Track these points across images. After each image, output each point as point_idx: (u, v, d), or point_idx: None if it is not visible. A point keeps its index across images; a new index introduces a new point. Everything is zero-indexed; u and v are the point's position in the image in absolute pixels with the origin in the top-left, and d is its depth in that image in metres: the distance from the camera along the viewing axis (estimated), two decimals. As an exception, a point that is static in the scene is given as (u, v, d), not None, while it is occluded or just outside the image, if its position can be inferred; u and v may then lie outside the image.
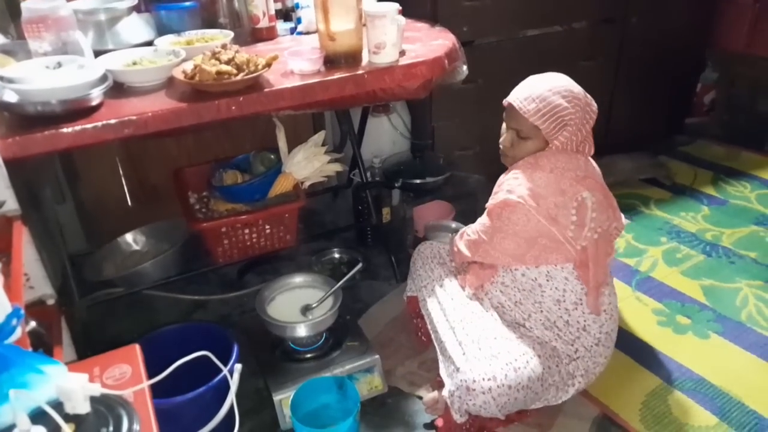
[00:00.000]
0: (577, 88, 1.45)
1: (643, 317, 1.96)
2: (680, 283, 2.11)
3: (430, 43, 1.73)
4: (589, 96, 1.46)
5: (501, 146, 1.54)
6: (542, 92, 1.42)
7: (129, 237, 2.24)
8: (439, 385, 1.59)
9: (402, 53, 1.63)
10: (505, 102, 1.50)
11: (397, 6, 1.54)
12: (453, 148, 2.48)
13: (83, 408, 0.76)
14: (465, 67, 1.74)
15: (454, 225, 2.26)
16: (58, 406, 0.74)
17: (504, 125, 1.54)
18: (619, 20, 2.60)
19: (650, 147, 2.99)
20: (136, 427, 0.76)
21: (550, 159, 1.43)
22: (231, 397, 1.09)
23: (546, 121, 1.41)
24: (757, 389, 1.67)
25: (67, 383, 0.75)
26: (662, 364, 1.77)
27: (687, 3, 2.78)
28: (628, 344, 1.83)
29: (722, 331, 1.89)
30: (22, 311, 0.81)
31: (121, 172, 2.25)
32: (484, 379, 1.36)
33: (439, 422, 1.55)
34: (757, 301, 2.01)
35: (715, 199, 2.66)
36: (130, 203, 2.31)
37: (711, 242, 2.35)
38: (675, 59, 2.87)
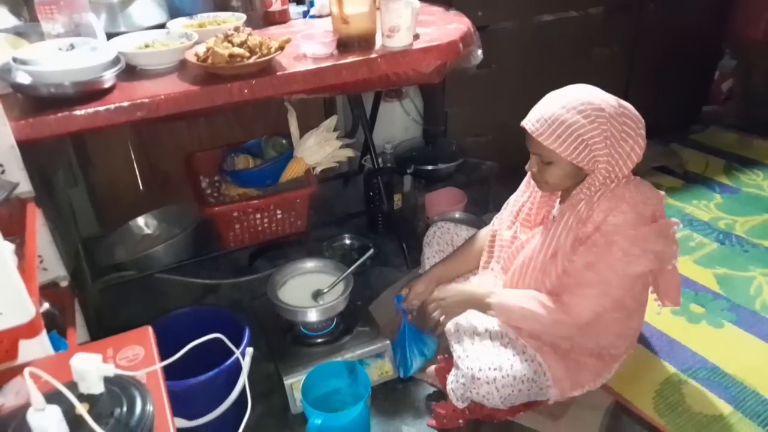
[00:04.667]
0: (599, 99, 1.28)
1: (656, 306, 1.93)
2: (693, 272, 2.09)
3: (445, 26, 1.71)
4: (623, 104, 1.31)
5: (528, 172, 1.43)
6: (554, 110, 1.28)
7: (141, 221, 2.24)
8: (442, 364, 1.60)
9: (416, 37, 1.61)
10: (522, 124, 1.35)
11: (411, -11, 1.52)
12: (466, 135, 2.46)
13: (97, 388, 0.76)
14: (480, 52, 1.72)
15: (458, 215, 2.28)
16: (72, 385, 0.75)
17: None
18: (636, 6, 2.56)
19: (662, 135, 2.94)
20: (149, 407, 0.76)
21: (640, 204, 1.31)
22: (243, 379, 1.09)
23: (563, 144, 1.27)
24: (772, 379, 1.66)
25: (82, 363, 0.75)
26: (676, 353, 1.76)
27: (705, -11, 2.73)
28: (642, 333, 1.81)
29: (736, 320, 1.87)
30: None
31: (133, 156, 2.25)
32: (490, 369, 1.36)
33: (440, 408, 1.55)
34: (772, 291, 2.00)
35: (727, 187, 2.63)
36: (141, 188, 2.31)
37: (724, 231, 2.32)
38: (692, 47, 2.83)
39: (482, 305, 1.46)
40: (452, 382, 1.44)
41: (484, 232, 1.66)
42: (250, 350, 1.26)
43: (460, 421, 1.53)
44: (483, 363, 1.36)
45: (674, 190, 2.61)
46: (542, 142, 1.29)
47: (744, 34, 2.97)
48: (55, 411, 0.69)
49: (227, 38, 1.45)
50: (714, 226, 2.36)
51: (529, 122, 1.32)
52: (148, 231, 2.23)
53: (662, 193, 1.38)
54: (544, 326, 1.38)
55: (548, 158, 1.32)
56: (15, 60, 1.30)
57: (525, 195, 1.55)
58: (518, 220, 1.55)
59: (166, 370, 0.88)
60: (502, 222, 1.60)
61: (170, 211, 2.26)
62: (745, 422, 1.54)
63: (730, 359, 1.72)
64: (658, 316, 1.88)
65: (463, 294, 1.52)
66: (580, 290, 1.33)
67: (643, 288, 1.44)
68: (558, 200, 1.48)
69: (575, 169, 1.32)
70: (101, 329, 1.66)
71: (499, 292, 1.48)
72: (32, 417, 0.69)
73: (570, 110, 1.26)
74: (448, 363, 1.53)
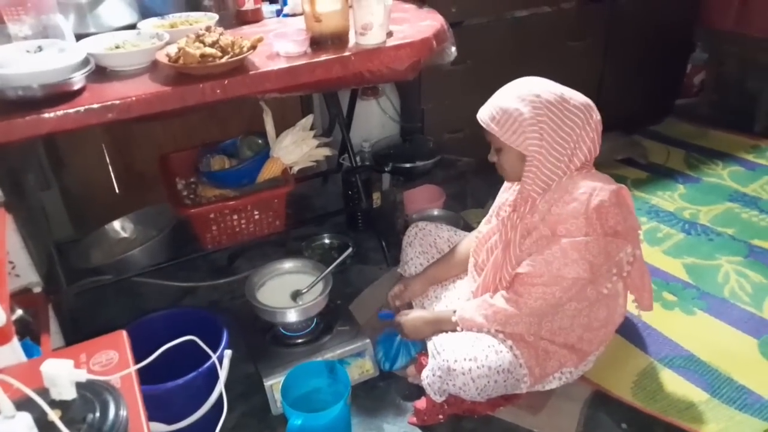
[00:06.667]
0: (547, 92, 1.32)
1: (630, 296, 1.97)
2: (663, 263, 2.12)
3: (418, 23, 1.71)
4: (569, 95, 1.33)
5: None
6: (500, 98, 1.35)
7: (116, 224, 2.22)
8: (421, 362, 1.61)
9: (389, 34, 1.61)
10: None
11: (383, -14, 1.52)
12: (443, 131, 2.46)
13: (69, 394, 0.75)
14: (453, 49, 1.72)
15: (437, 212, 2.29)
16: (43, 392, 0.74)
17: None
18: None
19: (625, 127, 2.96)
20: (123, 412, 0.75)
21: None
22: (220, 386, 1.09)
23: (501, 128, 1.33)
24: (744, 364, 1.69)
25: (53, 369, 0.74)
26: (652, 341, 1.78)
27: (675, -19, 2.77)
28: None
29: (707, 308, 1.91)
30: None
31: (107, 158, 2.23)
32: (465, 359, 1.37)
33: (419, 404, 1.56)
34: (738, 277, 2.03)
35: (689, 177, 2.68)
36: (117, 190, 2.28)
37: (689, 220, 2.36)
38: (664, 39, 2.86)
39: (450, 324, 1.50)
40: (428, 376, 1.45)
41: (474, 235, 1.67)
42: (228, 353, 1.25)
43: (440, 416, 1.54)
44: (458, 354, 1.38)
45: (639, 182, 2.65)
46: (485, 127, 1.36)
47: (715, 24, 3.00)
48: (25, 418, 0.68)
49: (199, 38, 1.44)
50: (679, 216, 2.40)
51: (480, 112, 1.39)
52: (124, 234, 2.21)
53: (615, 186, 1.34)
54: (502, 325, 1.42)
55: (497, 144, 1.38)
56: (-19, 63, 1.28)
57: (509, 191, 1.56)
58: (494, 215, 1.56)
59: (146, 374, 0.87)
60: (486, 220, 1.62)
61: (146, 214, 2.23)
62: (721, 408, 1.56)
63: (704, 346, 1.75)
64: (633, 302, 1.91)
65: (427, 320, 1.56)
66: (530, 279, 1.36)
67: (603, 280, 1.40)
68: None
69: (521, 154, 1.35)
70: (78, 334, 1.63)
71: (460, 307, 1.52)
72: (1, 424, 0.68)
73: (508, 96, 1.34)
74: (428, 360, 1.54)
